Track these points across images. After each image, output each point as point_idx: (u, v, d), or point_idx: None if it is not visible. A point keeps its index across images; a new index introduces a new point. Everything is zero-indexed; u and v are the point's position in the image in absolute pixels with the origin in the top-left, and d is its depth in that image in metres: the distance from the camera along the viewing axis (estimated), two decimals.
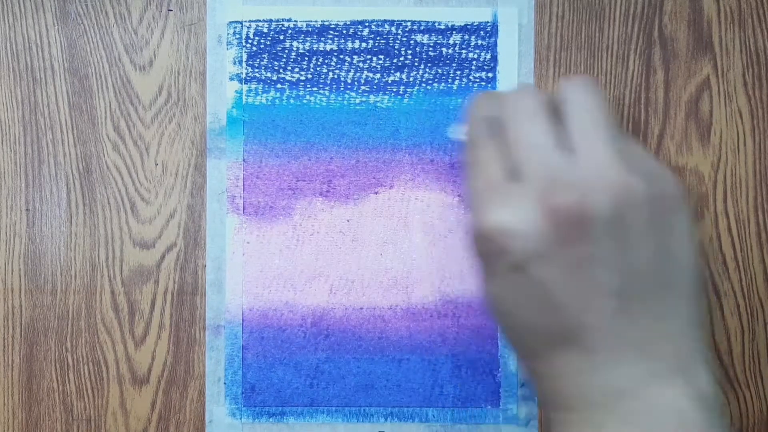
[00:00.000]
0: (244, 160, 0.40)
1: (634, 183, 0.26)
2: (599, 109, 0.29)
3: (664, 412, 0.26)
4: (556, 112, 0.29)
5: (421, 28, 0.40)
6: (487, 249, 0.28)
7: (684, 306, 0.27)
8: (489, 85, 0.40)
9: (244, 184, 0.40)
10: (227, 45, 0.40)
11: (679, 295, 0.28)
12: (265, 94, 0.40)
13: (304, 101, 0.40)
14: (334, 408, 0.40)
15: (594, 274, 0.26)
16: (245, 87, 0.40)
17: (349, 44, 0.40)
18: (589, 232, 0.26)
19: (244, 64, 0.40)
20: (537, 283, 0.27)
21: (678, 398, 0.26)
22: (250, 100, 0.40)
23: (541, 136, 0.28)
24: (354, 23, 0.40)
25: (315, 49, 0.40)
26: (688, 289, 0.28)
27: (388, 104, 0.40)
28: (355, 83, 0.40)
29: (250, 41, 0.40)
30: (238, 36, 0.40)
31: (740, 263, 0.40)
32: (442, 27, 0.40)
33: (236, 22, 0.40)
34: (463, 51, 0.40)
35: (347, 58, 0.40)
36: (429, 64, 0.40)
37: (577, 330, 0.27)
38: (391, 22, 0.40)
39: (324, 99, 0.40)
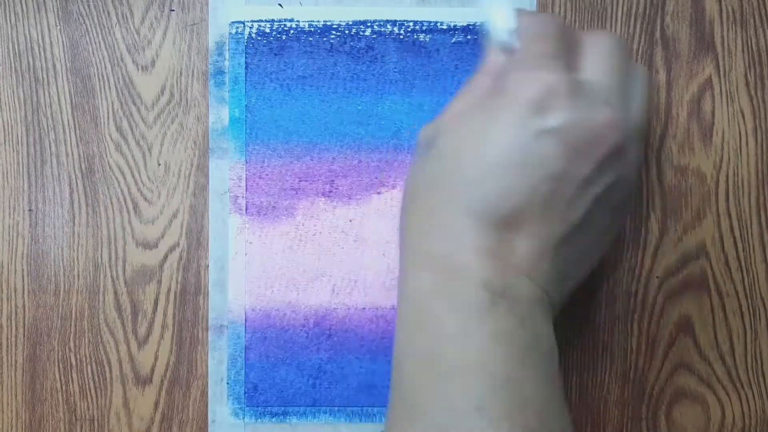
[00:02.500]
0: (246, 161, 0.40)
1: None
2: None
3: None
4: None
5: (423, 28, 0.40)
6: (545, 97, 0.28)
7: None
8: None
9: (246, 185, 0.40)
10: (229, 44, 0.40)
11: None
12: (267, 94, 0.40)
13: (307, 101, 0.40)
14: (336, 408, 0.40)
15: (586, 193, 0.28)
16: (247, 87, 0.40)
17: (351, 43, 0.40)
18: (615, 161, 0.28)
19: (246, 64, 0.40)
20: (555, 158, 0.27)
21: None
22: (252, 100, 0.40)
23: (618, 81, 0.29)
24: (356, 23, 0.40)
25: (317, 47, 0.40)
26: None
27: (390, 104, 0.40)
28: (356, 82, 0.40)
29: (252, 41, 0.40)
30: (240, 36, 0.40)
31: (742, 263, 0.40)
32: (444, 27, 0.40)
33: (238, 22, 0.40)
34: (465, 50, 0.40)
35: (348, 56, 0.40)
36: (430, 63, 0.40)
37: (556, 220, 0.28)
38: (393, 22, 0.40)
39: (326, 99, 0.40)
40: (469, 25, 0.40)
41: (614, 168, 0.28)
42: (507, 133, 0.27)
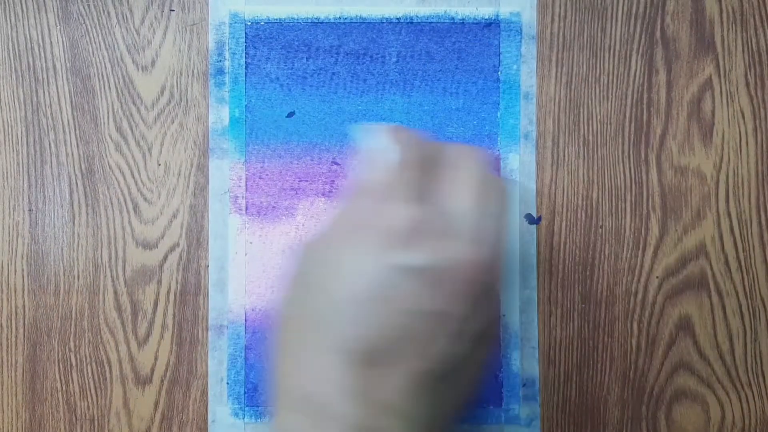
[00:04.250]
0: (246, 160, 0.40)
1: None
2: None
3: None
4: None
5: (423, 27, 0.40)
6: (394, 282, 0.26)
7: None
8: (490, 86, 0.40)
9: (246, 185, 0.40)
10: (229, 44, 0.40)
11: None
12: (267, 94, 0.40)
13: (306, 100, 0.40)
14: None
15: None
16: (247, 87, 0.40)
17: (351, 43, 0.40)
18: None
19: (246, 64, 0.40)
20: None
21: None
22: (252, 100, 0.40)
23: (485, 212, 0.28)
24: (356, 23, 0.40)
25: (317, 47, 0.40)
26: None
27: (390, 104, 0.40)
28: (357, 82, 0.40)
29: (251, 40, 0.40)
30: (240, 35, 0.40)
31: (742, 263, 0.40)
32: (444, 26, 0.40)
33: (238, 21, 0.40)
34: (465, 50, 0.40)
35: (349, 56, 0.40)
36: (430, 64, 0.40)
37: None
38: (393, 21, 0.40)
39: (326, 99, 0.40)
40: (470, 24, 0.40)
41: (483, 306, 0.27)
42: (369, 268, 0.26)
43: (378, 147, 0.29)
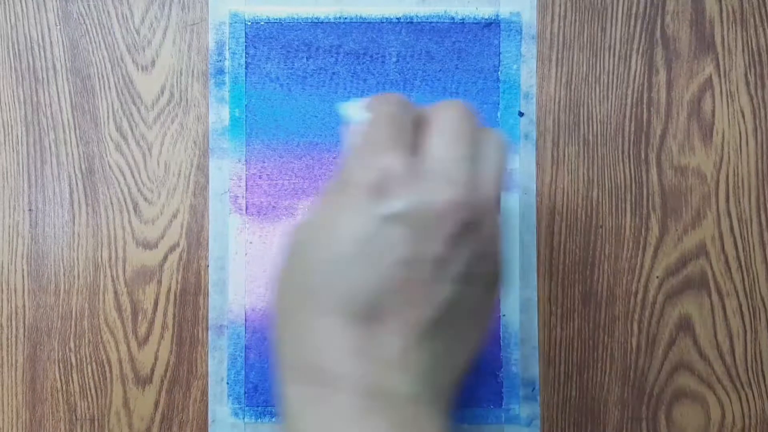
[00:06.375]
0: (246, 160, 0.40)
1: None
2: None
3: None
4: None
5: (423, 27, 0.40)
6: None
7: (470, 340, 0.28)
8: (490, 86, 0.40)
9: (246, 184, 0.40)
10: (229, 44, 0.40)
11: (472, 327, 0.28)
12: (267, 94, 0.40)
13: (307, 101, 0.40)
14: None
15: (438, 277, 0.26)
16: (247, 86, 0.40)
17: (351, 43, 0.40)
18: (455, 241, 0.26)
19: (246, 64, 0.40)
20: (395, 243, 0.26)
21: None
22: (252, 100, 0.40)
23: (463, 155, 0.28)
24: (356, 22, 0.40)
25: (317, 47, 0.40)
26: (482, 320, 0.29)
27: None
28: (357, 82, 0.40)
29: (252, 40, 0.40)
30: (240, 35, 0.40)
31: (742, 263, 0.40)
32: (444, 26, 0.40)
33: (238, 21, 0.40)
34: (465, 50, 0.40)
35: (349, 56, 0.40)
36: (430, 63, 0.40)
37: (389, 322, 0.26)
38: (393, 21, 0.40)
39: (326, 99, 0.40)
40: (470, 24, 0.40)
41: (468, 244, 0.26)
42: (351, 223, 0.26)
43: (362, 119, 0.29)
